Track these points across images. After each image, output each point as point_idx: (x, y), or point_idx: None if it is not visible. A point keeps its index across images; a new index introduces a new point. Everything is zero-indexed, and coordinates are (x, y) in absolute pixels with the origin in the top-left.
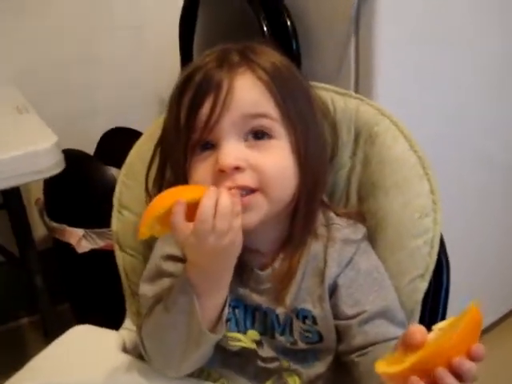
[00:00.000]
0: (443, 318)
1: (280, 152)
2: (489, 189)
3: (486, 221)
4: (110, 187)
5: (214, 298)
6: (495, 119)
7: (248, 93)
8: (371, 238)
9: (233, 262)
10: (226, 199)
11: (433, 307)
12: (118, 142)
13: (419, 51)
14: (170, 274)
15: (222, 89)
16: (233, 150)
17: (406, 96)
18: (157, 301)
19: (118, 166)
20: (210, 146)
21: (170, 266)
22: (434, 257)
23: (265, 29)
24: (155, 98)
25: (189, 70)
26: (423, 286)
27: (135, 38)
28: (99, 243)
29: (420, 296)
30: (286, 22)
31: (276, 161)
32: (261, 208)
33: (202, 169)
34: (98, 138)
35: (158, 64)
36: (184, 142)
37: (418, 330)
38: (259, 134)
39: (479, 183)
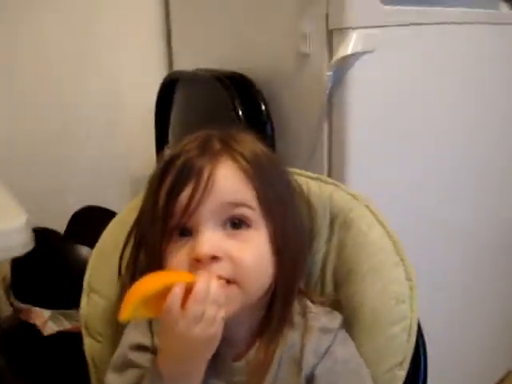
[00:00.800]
0: None
1: (258, 243)
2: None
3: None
4: (79, 267)
5: None
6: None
7: (229, 181)
8: (347, 324)
9: (211, 353)
10: (217, 287)
11: None
12: (89, 221)
13: (390, 136)
14: (137, 365)
15: (203, 176)
16: (210, 239)
17: (378, 179)
18: None
19: (90, 245)
20: (188, 232)
21: (137, 357)
22: (412, 344)
23: (240, 113)
24: (128, 178)
25: (170, 155)
26: (401, 374)
27: (110, 118)
28: (66, 325)
29: None
30: (261, 107)
31: (254, 252)
32: (236, 301)
33: (178, 256)
34: (69, 216)
35: (132, 144)
36: (161, 226)
37: None
38: (238, 223)
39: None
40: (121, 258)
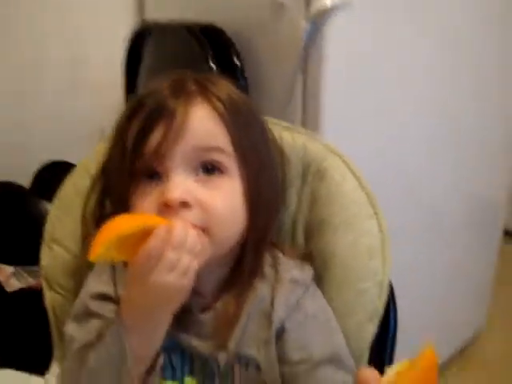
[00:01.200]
0: (390, 362)
1: (231, 190)
2: (434, 228)
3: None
4: (43, 222)
5: (150, 344)
6: (439, 155)
7: (203, 124)
8: (317, 277)
9: (179, 304)
10: (194, 235)
11: (379, 351)
12: (54, 177)
13: (367, 89)
14: (98, 316)
15: (176, 117)
16: (181, 184)
17: (353, 133)
18: (84, 347)
19: None
20: (157, 176)
21: (99, 306)
22: (384, 299)
23: (212, 65)
24: (95, 132)
25: (140, 94)
26: (372, 329)
27: (73, 72)
28: (30, 282)
29: (369, 340)
30: (234, 59)
31: (226, 200)
32: (205, 251)
33: (146, 200)
34: (34, 172)
35: (100, 98)
36: (129, 169)
37: (371, 374)
38: (210, 169)
39: (423, 224)
40: (85, 204)
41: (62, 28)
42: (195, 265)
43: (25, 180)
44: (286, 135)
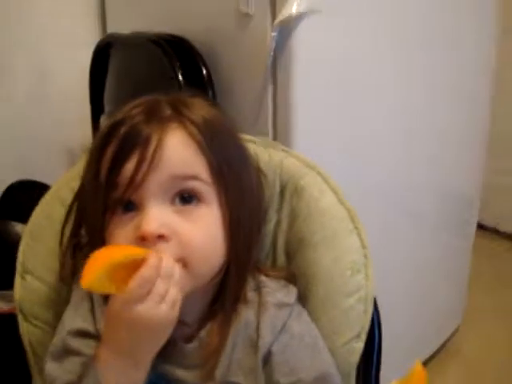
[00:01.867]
0: (377, 378)
1: (209, 221)
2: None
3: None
4: (14, 244)
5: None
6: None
7: (179, 152)
8: (301, 296)
9: (165, 339)
10: (179, 268)
11: (365, 364)
12: (22, 196)
13: (338, 95)
14: (77, 353)
15: (151, 145)
16: (157, 216)
17: (325, 140)
18: None
19: (24, 221)
20: (133, 206)
21: (78, 344)
22: (369, 315)
23: (180, 77)
24: (61, 149)
25: (112, 120)
26: (359, 346)
27: (36, 87)
28: (2, 307)
29: (356, 357)
30: (202, 71)
31: (204, 232)
32: (183, 285)
33: (122, 233)
34: (1, 191)
35: (66, 114)
36: (103, 200)
37: None
38: (188, 198)
39: (399, 222)
40: (62, 233)
41: (26, 40)
42: (180, 296)
43: None
44: (262, 152)
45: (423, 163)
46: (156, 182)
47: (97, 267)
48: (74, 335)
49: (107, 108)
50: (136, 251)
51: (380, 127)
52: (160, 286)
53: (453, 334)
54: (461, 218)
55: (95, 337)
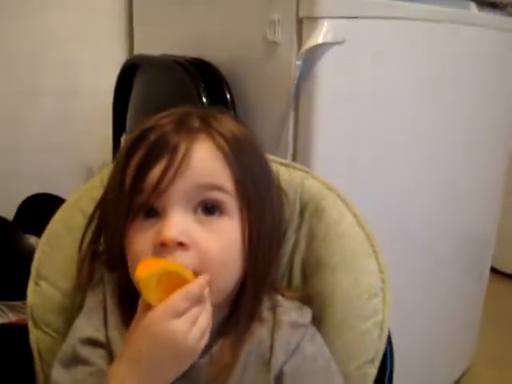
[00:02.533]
0: None
1: (230, 234)
2: (424, 266)
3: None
4: (27, 256)
5: None
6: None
7: (205, 162)
8: (316, 319)
9: (186, 366)
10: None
11: None
12: (39, 209)
13: (359, 126)
14: (86, 362)
15: (178, 153)
16: (179, 223)
17: (345, 171)
18: None
19: (39, 234)
20: (155, 213)
21: (88, 353)
22: (384, 340)
23: (204, 100)
24: (81, 165)
25: (142, 128)
26: (373, 371)
27: (63, 104)
28: (10, 317)
29: (370, 383)
30: (225, 95)
31: (224, 245)
32: None
33: (142, 238)
34: (18, 203)
35: (88, 132)
36: (126, 205)
37: None
38: (210, 208)
39: (414, 262)
40: (82, 240)
41: (57, 58)
42: (209, 331)
43: (9, 212)
44: (283, 171)
45: (442, 201)
46: (181, 189)
47: (153, 266)
48: (84, 343)
49: (129, 128)
50: (188, 272)
51: (400, 162)
52: (196, 309)
53: (461, 377)
54: (476, 259)
55: (105, 347)
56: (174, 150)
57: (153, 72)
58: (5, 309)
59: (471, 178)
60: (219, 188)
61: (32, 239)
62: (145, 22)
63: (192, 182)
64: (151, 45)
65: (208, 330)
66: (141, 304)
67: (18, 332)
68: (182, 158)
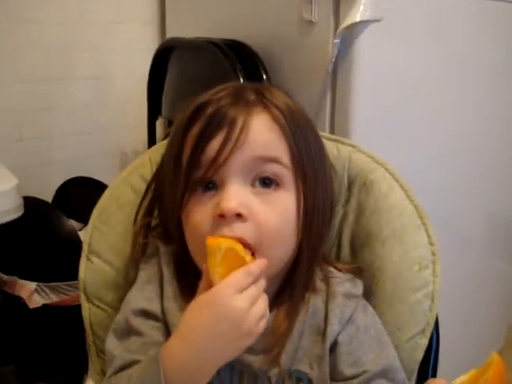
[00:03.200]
0: (434, 376)
1: (286, 205)
2: (458, 248)
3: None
4: (68, 239)
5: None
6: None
7: (263, 134)
8: (367, 291)
9: (241, 350)
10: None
11: (422, 369)
12: (76, 192)
13: (397, 105)
14: (140, 333)
15: (236, 126)
16: (237, 195)
17: (382, 150)
18: (122, 368)
19: (76, 217)
20: (213, 186)
21: (140, 323)
22: (435, 311)
23: (241, 81)
24: (118, 150)
25: (198, 102)
26: (424, 342)
27: (96, 89)
28: (53, 298)
29: (421, 354)
30: (262, 74)
31: (280, 216)
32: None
33: (201, 211)
34: (56, 187)
35: (123, 115)
36: (184, 179)
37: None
38: (267, 181)
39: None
40: (137, 213)
41: (88, 44)
42: (267, 317)
43: (49, 195)
44: (331, 146)
45: (475, 183)
46: (239, 162)
47: (224, 239)
48: (137, 314)
49: (164, 112)
50: (249, 257)
51: (439, 139)
52: (256, 290)
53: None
54: (508, 241)
55: (159, 318)
56: (231, 123)
57: (187, 55)
58: (47, 290)
59: (507, 160)
60: (276, 160)
61: (71, 222)
62: (177, 6)
63: (250, 155)
64: (184, 29)
65: (266, 316)
66: (203, 281)
67: (60, 312)
68: (240, 131)
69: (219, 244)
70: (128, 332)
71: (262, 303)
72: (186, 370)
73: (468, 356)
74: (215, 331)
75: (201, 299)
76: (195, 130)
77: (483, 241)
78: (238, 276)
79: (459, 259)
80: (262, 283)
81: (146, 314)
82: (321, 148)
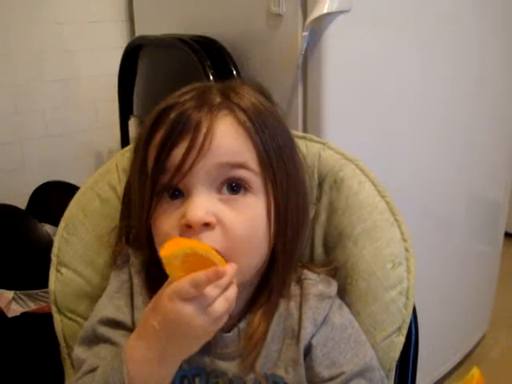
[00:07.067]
0: (413, 377)
1: (255, 210)
2: (437, 231)
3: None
4: (43, 245)
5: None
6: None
7: (228, 140)
8: (340, 290)
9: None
10: (235, 291)
11: (402, 365)
12: (51, 197)
13: (367, 99)
14: (106, 340)
15: (200, 131)
16: (204, 204)
17: (355, 141)
18: (88, 371)
19: (52, 222)
20: (179, 194)
21: (108, 332)
22: (410, 309)
23: (211, 77)
24: (89, 150)
25: (161, 106)
26: (400, 340)
27: (67, 91)
28: (31, 306)
29: (397, 352)
30: (232, 70)
31: (249, 222)
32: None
33: (168, 221)
34: (30, 192)
35: (92, 116)
36: (150, 186)
37: None
38: (235, 187)
39: (426, 227)
40: (121, 217)
41: (56, 45)
42: (226, 317)
43: (22, 201)
44: (300, 144)
45: (452, 167)
46: (204, 169)
47: (179, 245)
48: (105, 324)
49: (136, 110)
50: (217, 257)
51: (410, 129)
52: (210, 295)
53: (480, 340)
54: (489, 224)
55: (128, 328)
56: (196, 128)
57: (157, 53)
58: (24, 298)
59: (483, 142)
60: (243, 166)
61: (46, 227)
62: (145, 3)
63: (215, 162)
64: (153, 26)
65: (225, 317)
66: (166, 284)
67: (39, 319)
68: (205, 138)
69: (174, 251)
70: (96, 340)
71: (220, 306)
72: (146, 365)
73: (453, 340)
74: (167, 333)
75: (151, 304)
76: (160, 135)
77: (464, 224)
78: (184, 285)
79: (440, 243)
80: (229, 285)
81: (114, 324)
82: (292, 149)
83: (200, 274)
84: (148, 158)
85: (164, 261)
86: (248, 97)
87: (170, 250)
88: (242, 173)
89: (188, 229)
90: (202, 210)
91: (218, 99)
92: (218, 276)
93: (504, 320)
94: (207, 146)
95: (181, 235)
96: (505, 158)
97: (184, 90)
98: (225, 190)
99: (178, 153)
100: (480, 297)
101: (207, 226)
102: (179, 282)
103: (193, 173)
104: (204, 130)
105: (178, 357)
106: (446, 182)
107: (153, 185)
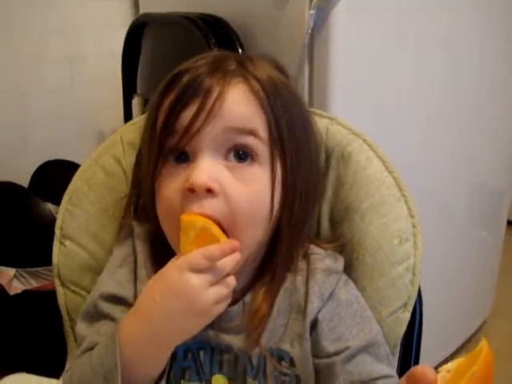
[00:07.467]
0: (417, 354)
1: (260, 181)
2: (439, 220)
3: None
4: (45, 223)
5: (152, 368)
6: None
7: (238, 106)
8: (347, 266)
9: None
10: (234, 280)
11: (406, 342)
12: (53, 176)
13: (373, 79)
14: (107, 316)
15: (211, 95)
16: (208, 168)
17: (361, 121)
18: (90, 349)
19: (54, 200)
20: (186, 158)
21: (108, 308)
22: (417, 285)
23: None
24: (95, 130)
25: (176, 70)
26: (406, 317)
27: (70, 70)
28: (33, 284)
29: (403, 328)
30: (237, 49)
31: (253, 192)
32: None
33: (172, 185)
34: (32, 171)
35: (97, 95)
36: (158, 146)
37: (429, 371)
38: (242, 155)
39: (427, 216)
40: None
41: (59, 23)
42: (228, 301)
43: (24, 180)
44: None
45: (455, 154)
46: (212, 133)
47: (199, 217)
48: (106, 299)
49: (140, 89)
50: (224, 239)
51: (414, 112)
52: (223, 267)
53: (480, 327)
54: (492, 212)
55: (129, 303)
56: (206, 92)
57: (161, 31)
58: (26, 275)
59: (485, 131)
60: (251, 132)
61: (48, 205)
62: None
63: (224, 126)
64: (157, 3)
65: (227, 300)
66: (175, 258)
67: (40, 297)
68: (215, 102)
69: (193, 222)
70: (98, 315)
71: (224, 288)
72: (140, 345)
73: (455, 326)
74: (167, 307)
75: (158, 274)
76: (170, 97)
77: (466, 212)
78: (197, 255)
79: (441, 230)
80: (228, 265)
81: (115, 299)
82: (306, 122)
83: (214, 247)
84: (157, 121)
85: (182, 226)
86: (264, 68)
87: (192, 217)
88: (249, 140)
89: (190, 193)
90: (206, 175)
91: (233, 66)
92: (232, 250)
93: (505, 307)
94: (217, 109)
95: (183, 201)
96: (508, 146)
97: (201, 55)
98: (232, 157)
99: (187, 115)
100: (482, 283)
101: (210, 192)
102: (191, 254)
103: (200, 136)
104: (215, 95)
105: (174, 337)
106: (448, 170)
107: (160, 147)
